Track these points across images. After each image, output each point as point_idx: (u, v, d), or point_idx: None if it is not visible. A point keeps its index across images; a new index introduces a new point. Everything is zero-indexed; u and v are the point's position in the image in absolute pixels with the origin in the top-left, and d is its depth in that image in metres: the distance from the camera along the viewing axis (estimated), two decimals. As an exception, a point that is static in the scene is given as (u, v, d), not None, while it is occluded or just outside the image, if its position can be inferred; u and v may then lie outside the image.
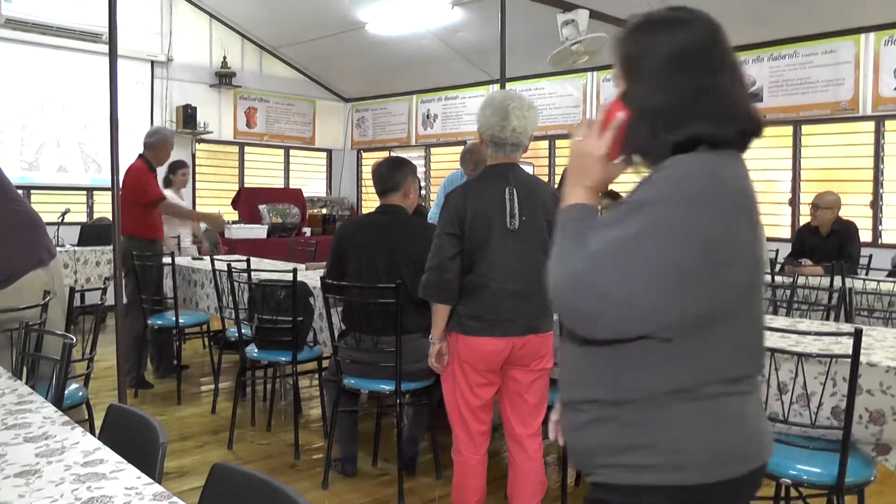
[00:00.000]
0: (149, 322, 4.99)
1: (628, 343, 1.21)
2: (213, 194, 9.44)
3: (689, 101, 1.25)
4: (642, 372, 1.23)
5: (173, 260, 5.03)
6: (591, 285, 1.13)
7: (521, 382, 2.71)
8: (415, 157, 9.94)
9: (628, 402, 1.24)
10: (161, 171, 5.68)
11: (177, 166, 6.15)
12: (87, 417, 3.04)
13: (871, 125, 6.43)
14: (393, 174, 3.40)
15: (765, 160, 7.18)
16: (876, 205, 6.43)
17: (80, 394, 3.04)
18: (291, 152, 10.45)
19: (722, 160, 1.23)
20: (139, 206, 5.09)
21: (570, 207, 1.28)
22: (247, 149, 9.89)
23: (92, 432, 1.98)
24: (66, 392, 2.40)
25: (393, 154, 9.47)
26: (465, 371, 2.67)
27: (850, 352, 2.17)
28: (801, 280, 4.22)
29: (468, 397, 2.70)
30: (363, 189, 10.79)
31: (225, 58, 9.35)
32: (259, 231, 8.57)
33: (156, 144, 5.28)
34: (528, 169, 4.27)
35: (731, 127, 1.25)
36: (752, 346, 1.28)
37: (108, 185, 3.80)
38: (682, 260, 1.13)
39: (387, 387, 3.30)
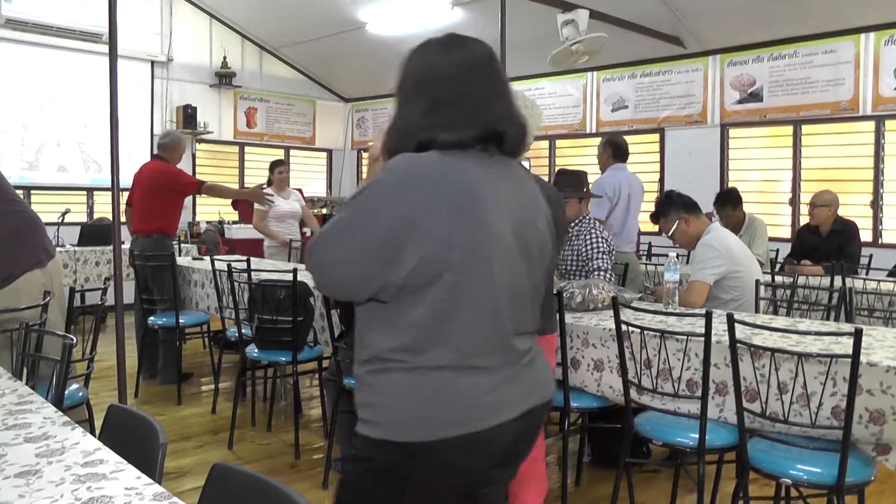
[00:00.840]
0: (149, 321, 4.98)
1: (364, 305, 1.48)
2: (213, 194, 9.45)
3: (423, 115, 1.47)
4: (371, 331, 1.47)
5: (173, 260, 5.03)
6: (314, 256, 1.47)
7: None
8: (415, 157, 9.93)
9: (364, 360, 1.48)
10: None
11: (275, 165, 6.31)
12: (87, 418, 3.04)
13: (871, 125, 6.43)
14: None
15: (765, 160, 7.19)
16: (876, 205, 6.43)
17: (81, 394, 3.04)
18: (291, 152, 10.45)
19: (446, 159, 1.44)
20: (179, 196, 5.32)
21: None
22: (247, 149, 9.88)
23: (92, 432, 1.99)
24: (66, 392, 2.40)
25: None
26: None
27: (850, 352, 2.17)
28: (801, 280, 4.22)
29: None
30: (363, 189, 10.77)
31: (225, 58, 9.35)
32: (259, 231, 8.55)
33: (169, 145, 5.40)
34: (525, 165, 4.26)
35: (463, 134, 1.45)
36: (476, 327, 1.44)
37: (108, 185, 3.80)
38: (371, 235, 1.40)
39: (387, 387, 3.29)
